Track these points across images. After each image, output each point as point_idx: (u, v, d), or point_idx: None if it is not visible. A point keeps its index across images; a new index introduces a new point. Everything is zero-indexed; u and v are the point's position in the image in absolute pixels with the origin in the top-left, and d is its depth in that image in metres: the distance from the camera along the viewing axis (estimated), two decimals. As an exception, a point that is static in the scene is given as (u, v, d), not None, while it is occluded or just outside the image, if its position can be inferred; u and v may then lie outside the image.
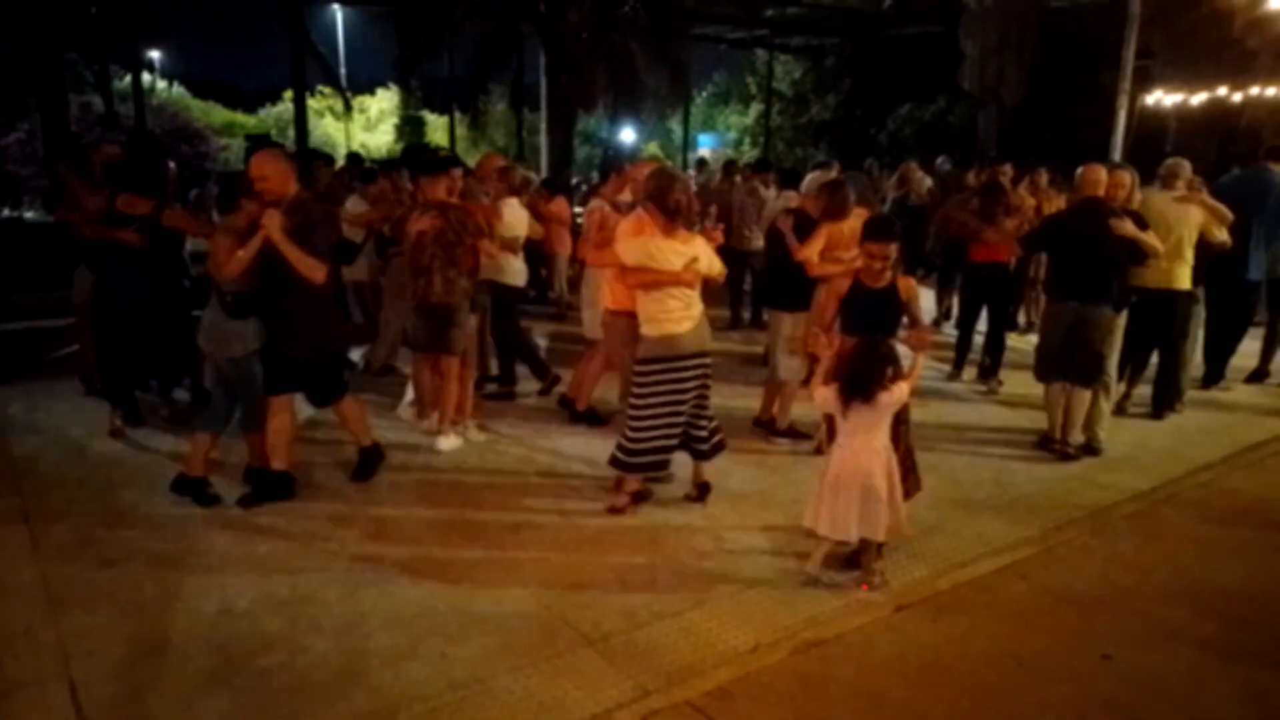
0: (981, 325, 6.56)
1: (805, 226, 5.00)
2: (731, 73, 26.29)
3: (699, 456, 4.20)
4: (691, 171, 12.04)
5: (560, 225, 8.42)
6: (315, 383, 4.20)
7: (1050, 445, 5.07)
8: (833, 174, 5.96)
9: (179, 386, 5.36)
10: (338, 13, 29.20)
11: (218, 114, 23.05)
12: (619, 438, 4.02)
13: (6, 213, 13.99)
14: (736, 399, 5.55)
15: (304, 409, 4.42)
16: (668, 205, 3.84)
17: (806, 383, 4.77)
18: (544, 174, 13.68)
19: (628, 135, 24.26)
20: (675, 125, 22.86)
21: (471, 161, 6.08)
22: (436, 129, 24.12)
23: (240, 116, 24.05)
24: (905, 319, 3.79)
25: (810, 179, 5.52)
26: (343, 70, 27.53)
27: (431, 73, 15.88)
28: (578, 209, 9.93)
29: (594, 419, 5.34)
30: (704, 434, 4.15)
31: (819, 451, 3.87)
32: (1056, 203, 7.15)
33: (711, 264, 4.06)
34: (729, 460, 4.55)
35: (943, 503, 4.19)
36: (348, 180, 7.64)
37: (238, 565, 3.50)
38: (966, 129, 18.49)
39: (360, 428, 4.40)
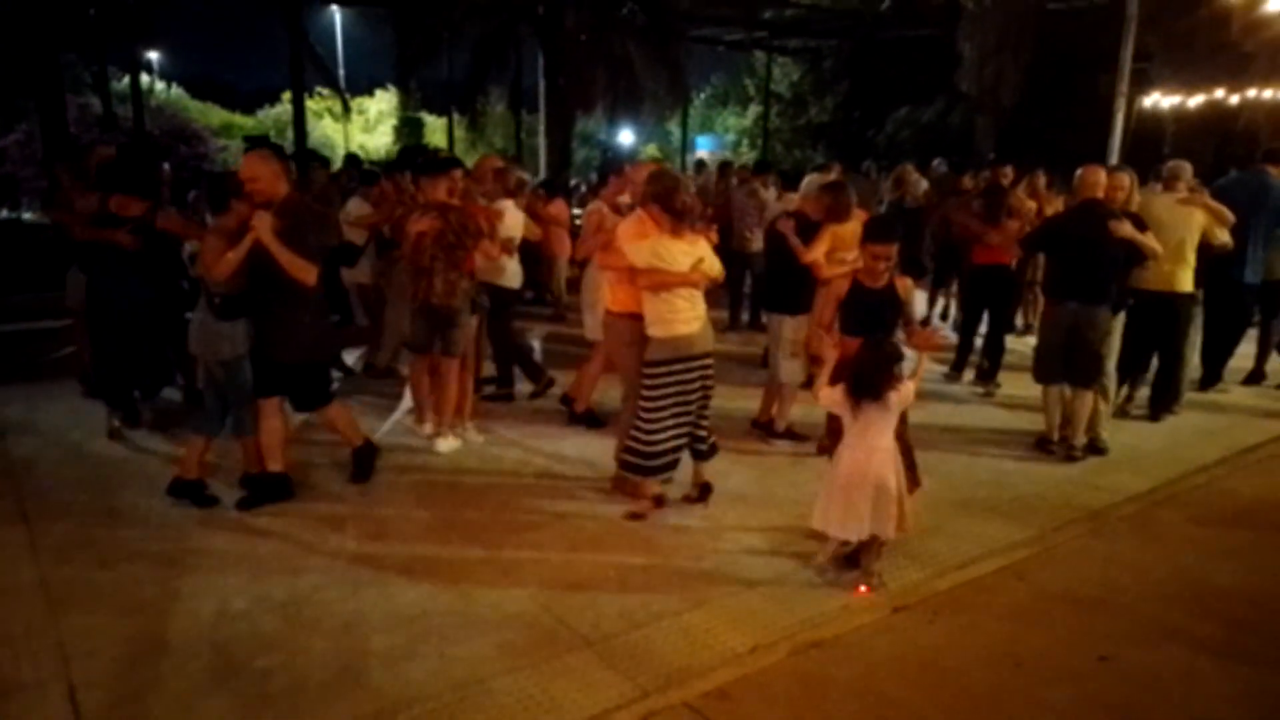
0: (980, 327, 6.57)
1: (805, 229, 5.01)
2: (730, 75, 26.38)
3: (700, 457, 4.21)
4: (690, 173, 12.04)
5: (559, 227, 8.43)
6: (302, 387, 4.15)
7: (1047, 446, 5.08)
8: (832, 176, 5.98)
9: (168, 387, 5.34)
10: (336, 14, 29.20)
11: (216, 115, 23.08)
12: (629, 441, 4.00)
13: (5, 214, 13.99)
14: (735, 400, 5.56)
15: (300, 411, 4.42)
16: (674, 207, 3.86)
17: (808, 385, 4.79)
18: (542, 175, 13.70)
19: (626, 137, 24.30)
20: (674, 127, 22.91)
21: (470, 163, 6.08)
22: (435, 130, 24.15)
23: (238, 118, 24.07)
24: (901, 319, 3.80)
25: (808, 181, 5.53)
26: (341, 72, 27.53)
27: (430, 74, 15.88)
28: (576, 210, 9.94)
29: (593, 420, 5.34)
30: (705, 434, 4.16)
31: (822, 452, 3.87)
32: (1055, 204, 7.17)
33: (713, 264, 4.07)
34: (728, 461, 4.56)
35: (941, 504, 4.20)
36: (345, 182, 7.64)
37: (236, 566, 3.50)
38: (964, 131, 18.55)
39: (350, 431, 4.39)
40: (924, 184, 9.15)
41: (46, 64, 10.44)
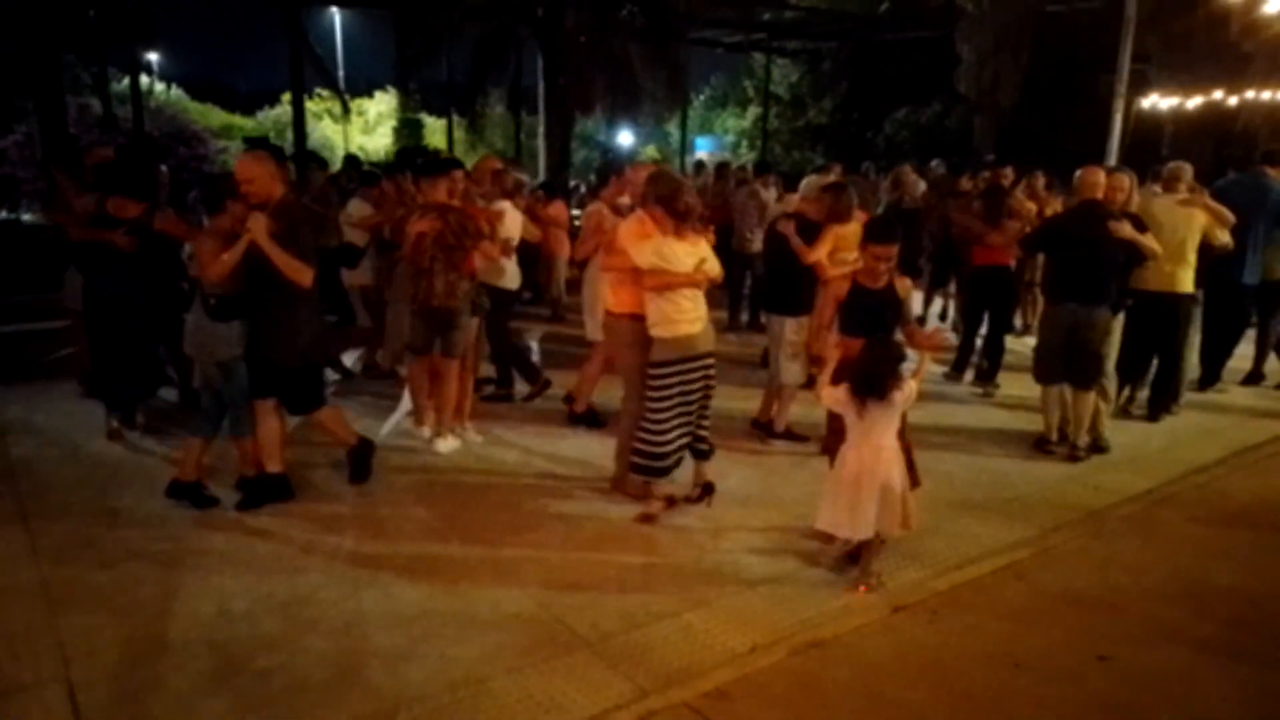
0: (980, 328, 6.58)
1: (805, 230, 5.01)
2: (729, 76, 26.40)
3: (700, 457, 4.21)
4: (689, 174, 12.06)
5: (558, 228, 8.44)
6: (297, 389, 4.12)
7: (1046, 447, 5.09)
8: (831, 177, 5.98)
9: (163, 388, 5.33)
10: (336, 15, 29.24)
11: (216, 116, 23.05)
12: (637, 444, 4.00)
13: (5, 215, 13.98)
14: (734, 400, 5.56)
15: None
16: (677, 208, 3.88)
17: (809, 385, 4.79)
18: (542, 176, 13.71)
19: (625, 138, 24.32)
20: (673, 128, 22.91)
21: (469, 164, 6.09)
22: (435, 132, 24.14)
23: (238, 119, 24.05)
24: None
25: (807, 182, 5.54)
26: (341, 73, 27.54)
27: (430, 76, 15.91)
28: (575, 211, 9.95)
29: (592, 420, 5.34)
30: (705, 434, 4.17)
31: (826, 452, 3.88)
32: (1054, 205, 7.18)
33: (713, 265, 4.09)
34: (727, 461, 4.56)
35: (940, 504, 4.20)
36: (345, 183, 7.64)
37: (236, 566, 3.50)
38: (963, 132, 18.58)
39: (343, 431, 4.37)
40: (922, 185, 9.17)
41: (46, 65, 10.44)
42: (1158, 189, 5.95)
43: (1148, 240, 4.87)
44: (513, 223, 5.49)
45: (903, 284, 3.85)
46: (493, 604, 3.25)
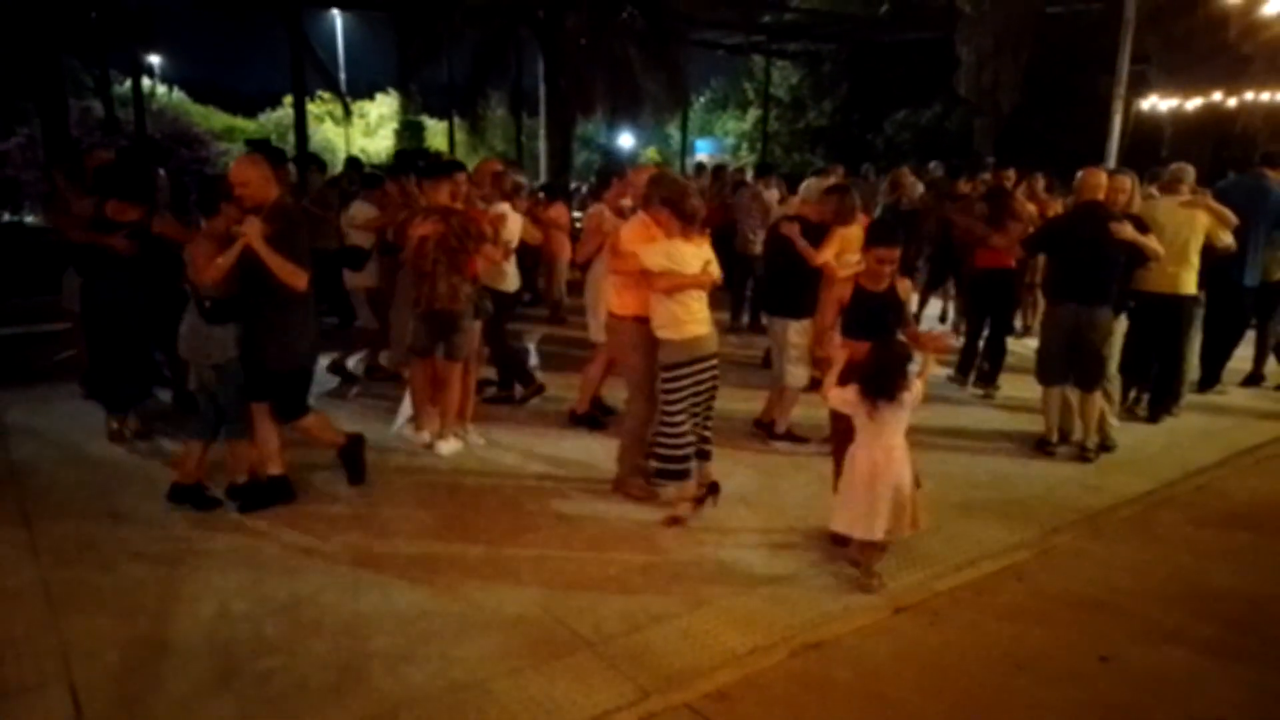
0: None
1: (806, 232, 5.02)
2: (729, 78, 26.41)
3: (702, 457, 4.21)
4: (690, 175, 12.08)
5: (559, 230, 8.44)
6: (289, 393, 4.07)
7: (1047, 448, 5.09)
8: (831, 180, 5.99)
9: (157, 388, 5.32)
10: (337, 18, 29.30)
11: (217, 119, 23.09)
12: (656, 449, 4.02)
13: (7, 217, 14.00)
14: (736, 402, 5.56)
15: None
16: (685, 210, 3.91)
17: (816, 387, 4.80)
18: (543, 179, 13.72)
19: (626, 140, 24.35)
20: (673, 130, 22.94)
21: (470, 167, 6.09)
22: (436, 134, 24.18)
23: (240, 121, 24.08)
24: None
25: (807, 185, 5.55)
26: (342, 75, 27.57)
27: (431, 78, 15.91)
28: (576, 213, 9.95)
29: (593, 422, 5.35)
30: (708, 434, 4.18)
31: (834, 453, 3.89)
32: (1054, 207, 7.18)
33: (715, 266, 4.11)
34: (728, 462, 4.57)
35: (940, 505, 4.20)
36: (347, 185, 7.65)
37: (237, 568, 3.50)
38: (963, 134, 18.58)
39: (329, 434, 4.31)
40: (920, 187, 9.18)
41: (48, 67, 10.46)
42: (1154, 191, 5.96)
43: (1149, 241, 4.88)
44: (512, 225, 5.49)
45: (904, 286, 3.88)
46: (494, 605, 3.26)
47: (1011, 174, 7.79)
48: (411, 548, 3.73)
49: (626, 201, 4.96)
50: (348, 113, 23.48)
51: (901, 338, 3.75)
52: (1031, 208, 6.92)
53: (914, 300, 8.19)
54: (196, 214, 5.87)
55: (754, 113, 23.99)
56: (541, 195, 8.85)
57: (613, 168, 5.55)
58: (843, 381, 3.53)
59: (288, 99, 19.77)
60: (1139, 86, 13.70)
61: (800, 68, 22.89)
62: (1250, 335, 6.68)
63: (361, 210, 6.05)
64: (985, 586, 3.54)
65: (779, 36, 19.85)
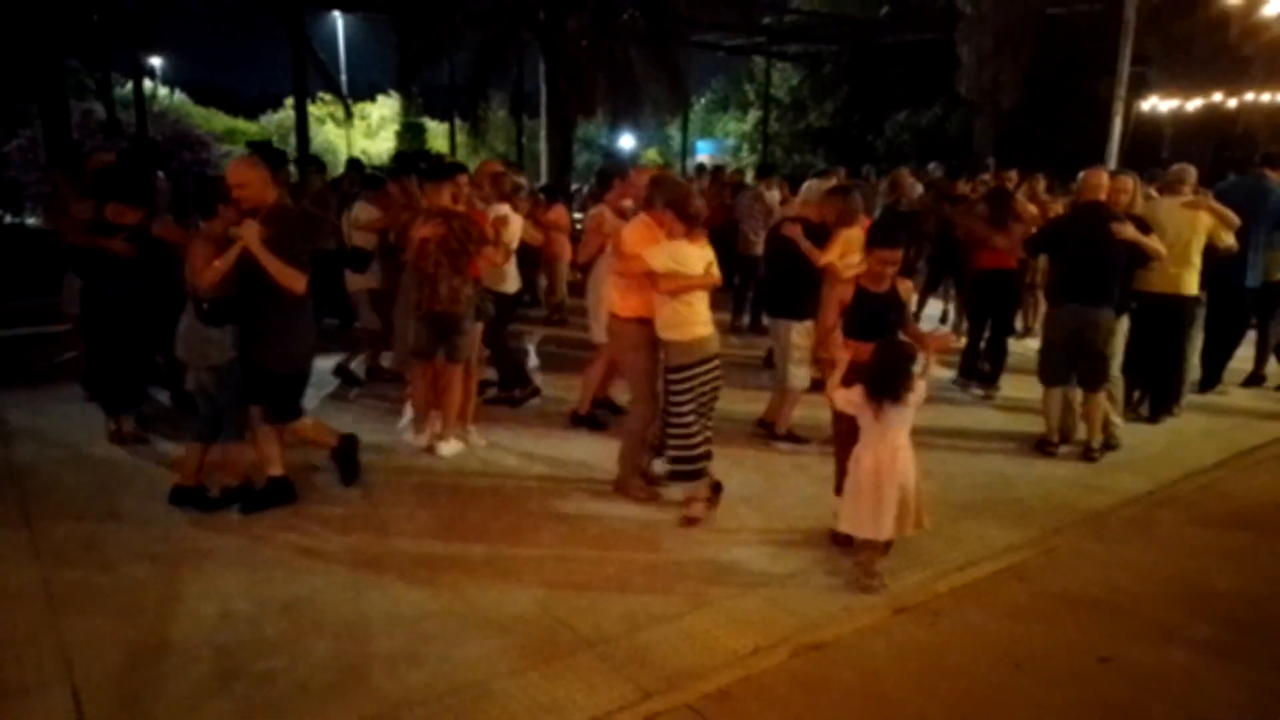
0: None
1: (808, 233, 5.02)
2: (730, 79, 26.42)
3: (704, 458, 4.21)
4: (691, 177, 12.09)
5: (559, 232, 8.45)
6: (284, 396, 4.05)
7: (1047, 449, 5.09)
8: (832, 182, 5.99)
9: (152, 389, 5.32)
10: (338, 20, 29.36)
11: (219, 121, 23.09)
12: (672, 452, 4.03)
13: (8, 219, 14.01)
14: (737, 403, 5.56)
15: (310, 410, 4.41)
16: (689, 212, 3.94)
17: (818, 388, 4.80)
18: (544, 180, 13.73)
19: (627, 141, 24.35)
20: (674, 131, 22.97)
21: (471, 168, 6.09)
22: (437, 136, 24.18)
23: (241, 123, 24.09)
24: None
25: (808, 186, 5.54)
26: (343, 77, 27.66)
27: (432, 79, 15.92)
28: (577, 214, 9.96)
29: (594, 423, 5.35)
30: (709, 435, 4.19)
31: (836, 453, 3.89)
32: (1055, 208, 7.18)
33: (715, 268, 4.13)
34: (729, 463, 4.57)
35: (941, 506, 4.19)
36: (348, 187, 7.65)
37: (238, 569, 3.51)
38: (963, 135, 18.58)
39: (323, 435, 4.29)
40: (919, 187, 9.18)
41: (50, 69, 10.47)
42: (1153, 192, 5.96)
43: (1151, 241, 4.88)
44: (513, 226, 5.50)
45: (905, 286, 3.89)
46: (494, 606, 3.26)
47: (1014, 175, 7.78)
48: (412, 548, 3.74)
49: (628, 203, 4.96)
50: (349, 114, 23.51)
51: (904, 338, 3.75)
52: (1032, 209, 6.92)
53: (913, 301, 8.21)
54: (196, 216, 5.87)
55: (754, 114, 24.00)
56: (541, 197, 8.85)
57: (614, 169, 5.54)
58: (847, 382, 3.54)
59: (289, 101, 19.79)
60: (1139, 87, 13.71)
61: (801, 69, 22.90)
62: (1251, 336, 6.68)
63: (365, 211, 6.04)
64: (986, 587, 3.54)
65: (779, 38, 19.86)
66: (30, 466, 4.60)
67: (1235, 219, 5.50)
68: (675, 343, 3.98)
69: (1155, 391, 5.82)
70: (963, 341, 6.72)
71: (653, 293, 4.01)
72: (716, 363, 4.09)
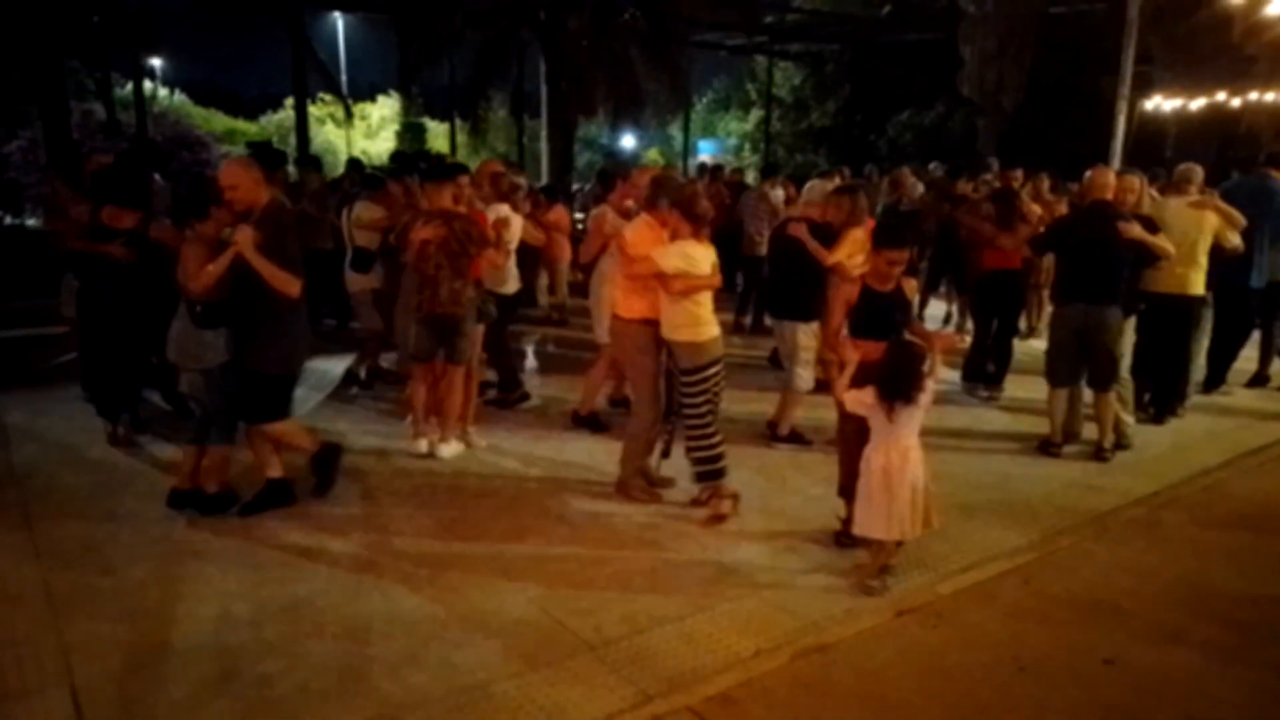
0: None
1: (812, 233, 5.00)
2: (731, 79, 26.39)
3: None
4: (693, 177, 12.07)
5: (560, 233, 8.43)
6: (269, 396, 3.98)
7: (1051, 450, 5.07)
8: (835, 182, 5.97)
9: (146, 391, 5.30)
10: (339, 20, 29.37)
11: (219, 121, 23.10)
12: (695, 453, 4.04)
13: (8, 220, 14.01)
14: (739, 404, 5.55)
15: (303, 415, 4.40)
16: (695, 213, 3.95)
17: (822, 389, 4.78)
18: (545, 180, 13.71)
19: (628, 141, 24.35)
20: (676, 131, 22.93)
21: (472, 168, 6.08)
22: (437, 136, 24.18)
23: (241, 124, 24.10)
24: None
25: (810, 186, 5.53)
26: (344, 77, 27.66)
27: (432, 80, 15.91)
28: (578, 214, 9.94)
29: (595, 424, 5.34)
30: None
31: (840, 454, 3.88)
32: (1059, 208, 7.16)
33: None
34: (732, 464, 4.52)
35: (944, 507, 4.15)
36: (348, 187, 7.64)
37: (239, 571, 3.50)
38: (966, 135, 18.53)
39: (303, 440, 4.19)
40: (920, 187, 9.16)
41: (50, 70, 10.47)
42: (1154, 192, 5.93)
43: (1159, 240, 4.86)
44: (513, 227, 5.48)
45: (909, 286, 3.88)
46: (495, 608, 3.25)
47: (1019, 174, 7.76)
48: (413, 550, 3.73)
49: (630, 203, 4.95)
50: (349, 115, 23.49)
51: (912, 337, 3.74)
52: (1037, 209, 6.89)
53: (915, 301, 8.19)
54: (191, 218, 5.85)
55: (756, 113, 23.97)
56: (541, 197, 8.84)
57: (616, 169, 5.54)
58: (856, 383, 3.52)
59: (289, 101, 19.79)
60: (1143, 87, 13.66)
61: (803, 68, 22.87)
62: (1255, 336, 6.66)
63: (368, 210, 6.02)
64: (988, 588, 3.53)
65: (781, 37, 19.83)
66: (30, 467, 4.60)
67: (1241, 219, 5.49)
68: (689, 344, 3.99)
69: (1160, 392, 5.80)
70: (967, 341, 6.70)
71: (658, 294, 4.00)
72: (722, 363, 4.10)
